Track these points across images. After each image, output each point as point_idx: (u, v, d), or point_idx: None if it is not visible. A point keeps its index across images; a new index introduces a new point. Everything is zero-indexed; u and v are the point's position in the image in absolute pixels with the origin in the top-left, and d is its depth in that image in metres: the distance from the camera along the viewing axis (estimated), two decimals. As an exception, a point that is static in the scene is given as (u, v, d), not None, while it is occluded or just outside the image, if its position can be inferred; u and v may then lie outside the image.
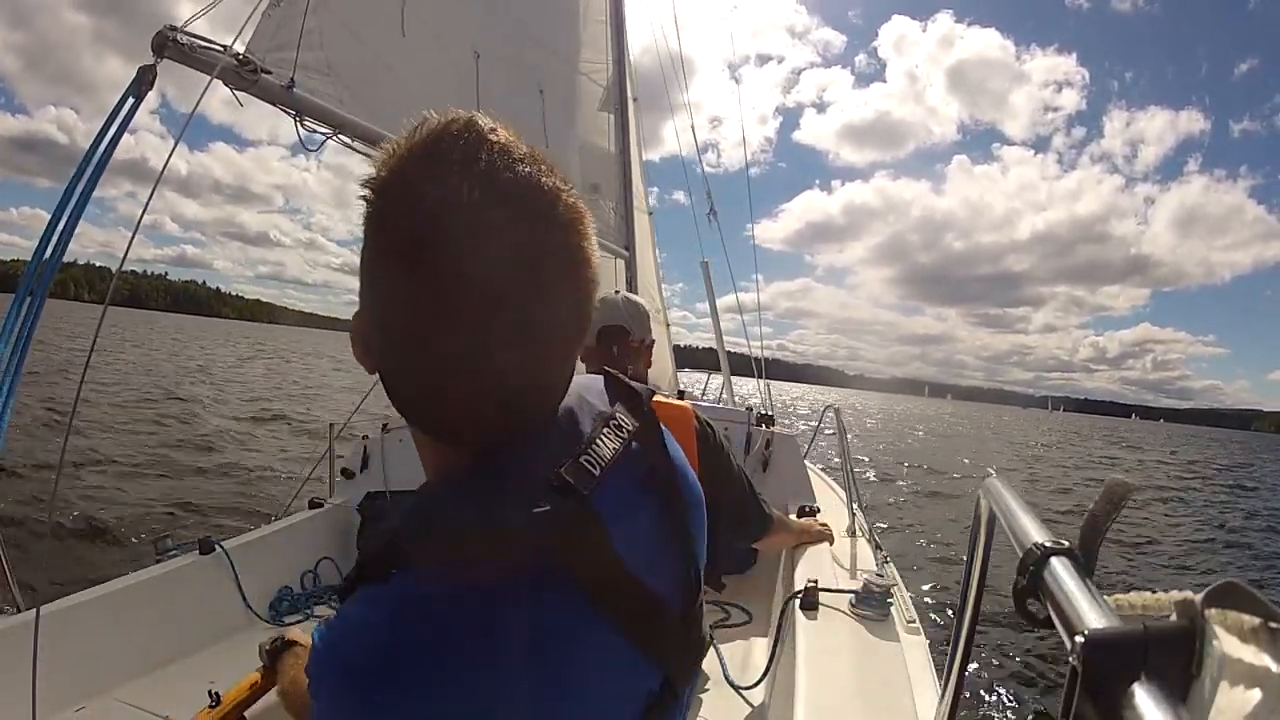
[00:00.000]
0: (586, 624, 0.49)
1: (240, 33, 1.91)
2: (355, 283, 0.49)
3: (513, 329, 0.44)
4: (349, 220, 0.49)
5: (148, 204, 1.66)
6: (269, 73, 1.98)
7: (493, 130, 0.46)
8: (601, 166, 3.85)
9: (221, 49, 1.81)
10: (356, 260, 0.49)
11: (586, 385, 0.58)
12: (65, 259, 1.52)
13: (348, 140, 2.27)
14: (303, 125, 2.17)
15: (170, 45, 1.71)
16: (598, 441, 0.52)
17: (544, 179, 0.45)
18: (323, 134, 2.23)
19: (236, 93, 1.96)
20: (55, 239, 1.53)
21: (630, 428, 0.55)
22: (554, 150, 3.33)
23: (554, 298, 0.46)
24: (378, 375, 0.51)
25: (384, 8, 2.53)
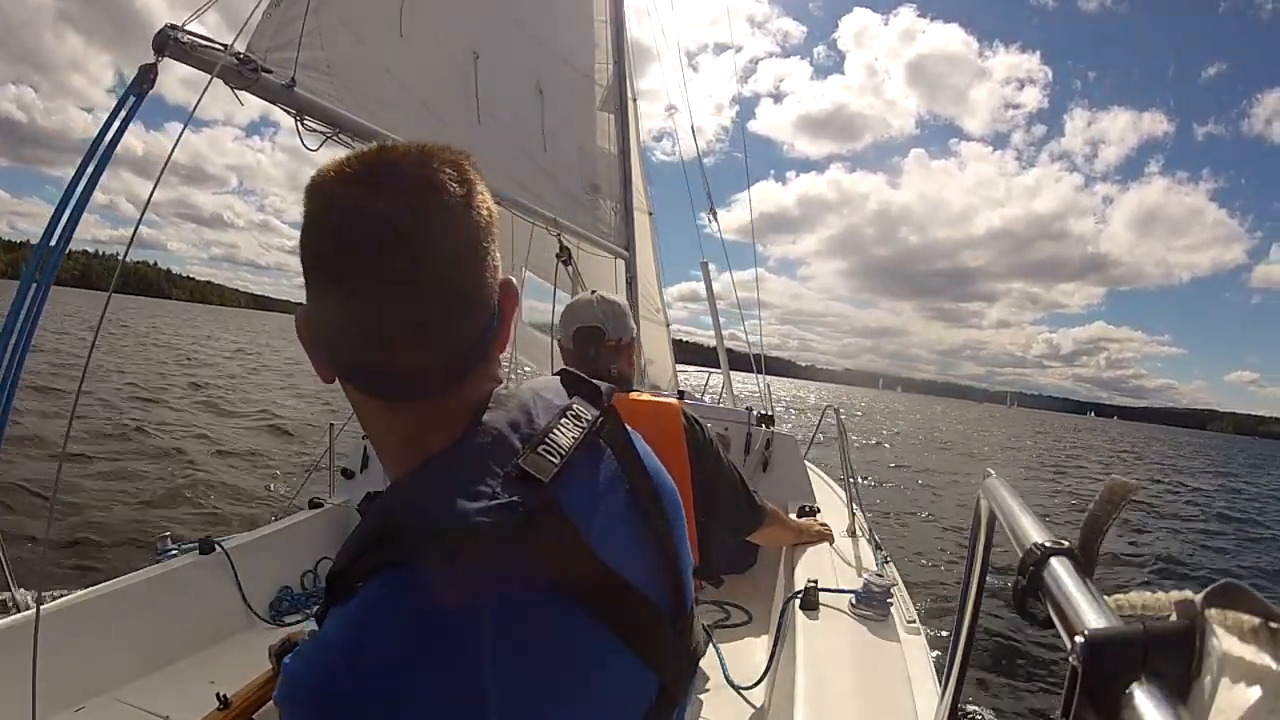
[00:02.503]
0: (569, 624, 0.47)
1: (241, 32, 1.92)
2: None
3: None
4: (302, 203, 0.50)
5: (150, 197, 1.65)
6: (269, 72, 1.99)
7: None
8: (601, 166, 3.85)
9: (222, 48, 1.81)
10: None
11: (543, 384, 0.55)
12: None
13: (348, 140, 2.27)
14: (303, 125, 2.17)
15: (171, 44, 1.71)
16: (554, 431, 0.50)
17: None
18: (322, 133, 2.23)
19: (237, 91, 1.96)
20: (59, 231, 1.56)
21: (589, 417, 0.53)
22: (553, 150, 3.33)
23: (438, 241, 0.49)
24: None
25: (383, 8, 2.53)
